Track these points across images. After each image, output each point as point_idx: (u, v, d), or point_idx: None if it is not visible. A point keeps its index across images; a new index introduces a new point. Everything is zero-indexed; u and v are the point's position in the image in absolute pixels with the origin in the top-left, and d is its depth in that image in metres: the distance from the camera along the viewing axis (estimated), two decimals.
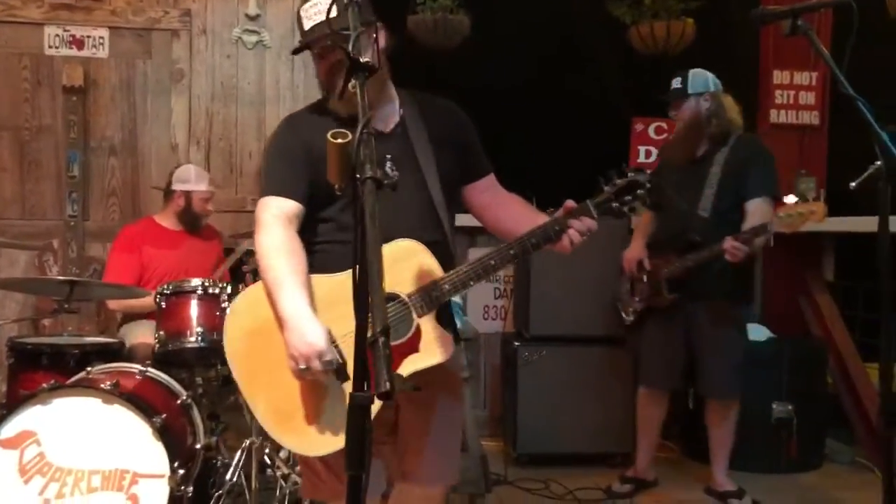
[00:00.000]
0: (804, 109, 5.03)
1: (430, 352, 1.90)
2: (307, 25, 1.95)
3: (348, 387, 1.74)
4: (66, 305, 3.15)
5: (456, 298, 3.52)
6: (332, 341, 1.84)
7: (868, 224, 4.02)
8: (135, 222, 3.98)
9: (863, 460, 4.21)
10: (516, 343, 4.17)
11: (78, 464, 2.72)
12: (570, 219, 1.96)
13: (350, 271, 1.81)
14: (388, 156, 1.97)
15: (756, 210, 3.35)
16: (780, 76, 5.02)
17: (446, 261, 1.98)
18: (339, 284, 1.86)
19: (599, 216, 1.98)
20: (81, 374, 2.93)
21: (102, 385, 2.76)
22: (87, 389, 2.76)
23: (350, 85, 1.51)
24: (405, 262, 1.91)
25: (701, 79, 3.52)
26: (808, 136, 5.06)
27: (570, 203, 1.98)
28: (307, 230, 2.02)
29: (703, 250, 3.34)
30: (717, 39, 5.60)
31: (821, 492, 3.85)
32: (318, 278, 1.93)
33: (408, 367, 1.88)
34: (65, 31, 4.33)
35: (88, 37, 4.36)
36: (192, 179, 3.81)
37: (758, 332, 4.30)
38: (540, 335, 4.14)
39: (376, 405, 1.83)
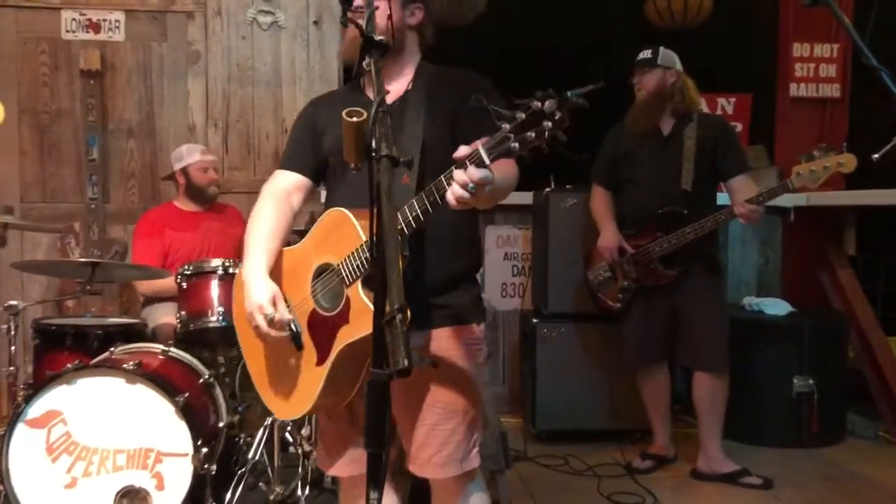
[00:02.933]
0: (825, 82, 4.97)
1: (359, 323, 1.75)
2: None
3: (301, 357, 1.91)
4: (88, 287, 3.18)
5: None
6: (290, 310, 1.91)
7: (890, 197, 4.01)
8: (154, 208, 4.03)
9: (885, 435, 4.20)
10: (535, 320, 4.18)
11: (103, 443, 2.77)
12: (458, 169, 1.54)
13: (302, 242, 1.94)
14: None
15: (742, 186, 3.44)
16: (799, 48, 4.96)
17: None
18: (296, 254, 1.98)
19: (495, 160, 1.51)
20: (105, 355, 2.97)
21: (125, 365, 2.80)
22: (111, 369, 2.80)
23: (364, 63, 1.51)
24: (337, 231, 1.84)
25: (670, 56, 3.57)
26: (829, 110, 5.00)
27: (460, 150, 1.55)
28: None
29: (706, 220, 3.36)
30: (734, 12, 5.53)
31: (843, 466, 3.84)
32: (287, 249, 2.02)
33: (341, 339, 1.81)
34: (81, 14, 4.33)
35: (104, 20, 4.36)
36: (184, 155, 3.90)
37: (778, 307, 4.28)
38: (558, 312, 4.15)
39: (316, 378, 1.85)
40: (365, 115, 1.40)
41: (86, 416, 2.78)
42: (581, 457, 3.86)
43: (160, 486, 2.76)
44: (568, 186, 4.21)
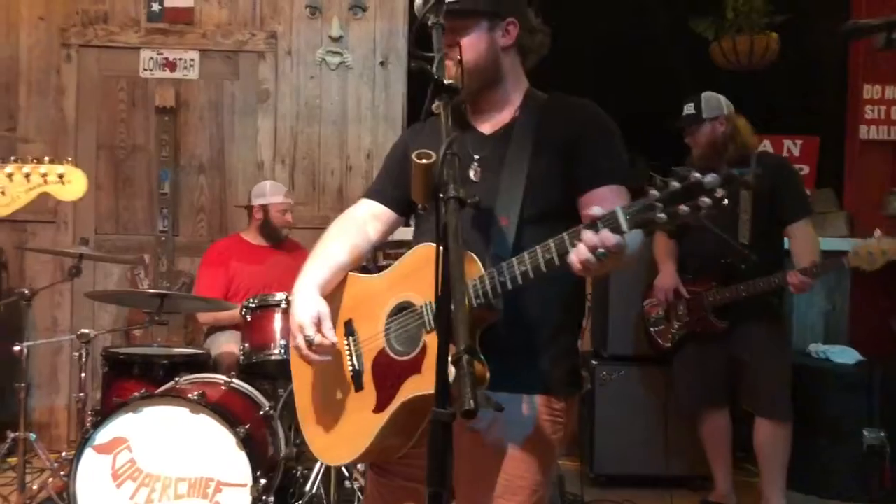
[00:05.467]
0: None
1: (432, 377, 1.56)
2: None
3: (359, 398, 1.74)
4: (156, 317, 3.28)
5: None
6: (356, 345, 1.78)
7: None
8: (222, 239, 4.14)
9: None
10: (594, 362, 4.13)
11: (166, 471, 2.83)
12: (587, 229, 1.40)
13: (383, 273, 1.80)
14: (477, 156, 1.79)
15: (802, 233, 3.37)
16: (870, 90, 4.86)
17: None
18: (374, 285, 1.82)
19: (636, 228, 1.37)
20: (170, 384, 3.05)
21: (190, 395, 2.86)
22: (176, 399, 2.86)
23: (434, 106, 1.54)
24: (428, 268, 1.60)
25: (714, 102, 3.49)
26: None
27: (594, 211, 1.41)
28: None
29: (759, 281, 3.31)
30: (802, 53, 5.45)
31: None
32: (358, 277, 1.88)
33: (407, 390, 1.64)
34: (159, 54, 4.52)
35: (180, 59, 4.54)
36: (266, 192, 3.96)
37: (847, 355, 4.15)
38: (617, 354, 4.10)
39: (372, 426, 1.67)
40: (434, 157, 1.42)
41: (150, 443, 2.84)
42: (640, 502, 3.77)
43: None
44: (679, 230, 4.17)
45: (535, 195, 1.69)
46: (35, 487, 3.38)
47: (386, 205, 1.94)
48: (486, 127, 1.84)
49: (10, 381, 3.61)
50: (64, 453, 3.48)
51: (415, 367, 1.63)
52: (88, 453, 2.82)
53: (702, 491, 3.84)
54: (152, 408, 2.86)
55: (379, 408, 1.69)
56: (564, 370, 1.75)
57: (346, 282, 1.87)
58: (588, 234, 1.39)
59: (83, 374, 3.32)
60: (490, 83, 1.82)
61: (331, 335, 1.74)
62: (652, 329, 3.75)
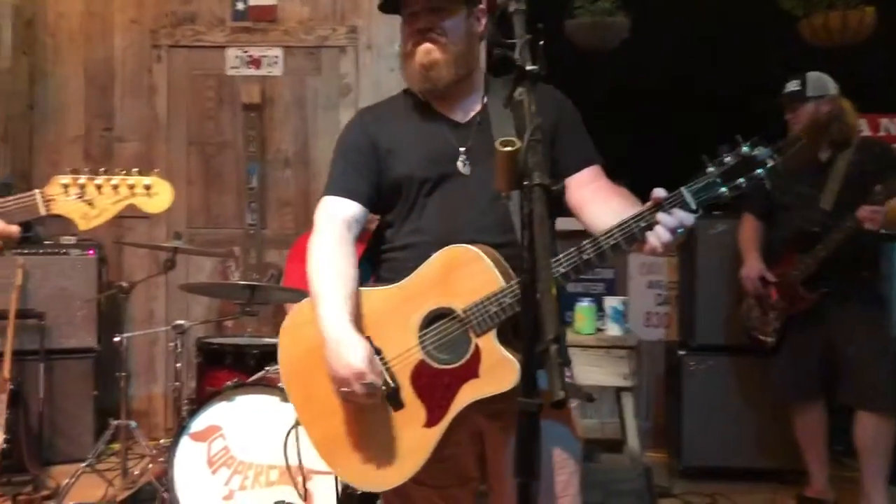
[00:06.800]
0: None
1: (494, 377, 1.58)
2: None
3: (401, 417, 1.67)
4: (247, 308, 3.37)
5: (617, 304, 3.51)
6: (384, 363, 1.68)
7: None
8: (309, 231, 4.21)
9: None
10: (681, 352, 4.05)
11: (258, 458, 2.90)
12: (659, 212, 1.48)
13: (401, 283, 1.71)
14: (462, 148, 1.77)
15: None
16: None
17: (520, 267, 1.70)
18: (391, 297, 1.72)
19: (701, 206, 1.49)
20: (261, 373, 3.12)
21: (280, 384, 2.92)
22: (267, 388, 2.93)
23: (517, 94, 1.52)
24: (460, 271, 1.64)
25: (820, 82, 3.39)
26: None
27: (658, 192, 1.50)
28: (375, 235, 1.90)
29: (833, 234, 3.23)
30: None
31: None
32: (369, 291, 1.76)
33: (465, 396, 1.61)
34: (244, 52, 4.63)
35: (265, 56, 4.64)
36: None
37: None
38: (706, 344, 4.01)
39: (426, 441, 1.64)
40: (518, 144, 1.41)
41: (243, 431, 2.92)
42: (730, 496, 3.69)
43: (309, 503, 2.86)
44: (716, 212, 4.07)
45: None
46: (136, 472, 3.53)
47: (362, 203, 1.83)
48: (458, 115, 1.82)
49: (112, 370, 3.79)
50: (162, 440, 3.63)
51: (469, 372, 1.61)
52: (185, 441, 2.92)
53: (797, 485, 3.73)
54: (244, 396, 2.94)
55: (432, 421, 1.65)
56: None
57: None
58: (665, 217, 1.46)
59: (178, 364, 3.44)
60: (469, 71, 1.80)
61: (381, 371, 1.65)
62: (752, 331, 3.65)
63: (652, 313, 4.66)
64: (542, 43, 1.66)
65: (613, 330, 3.47)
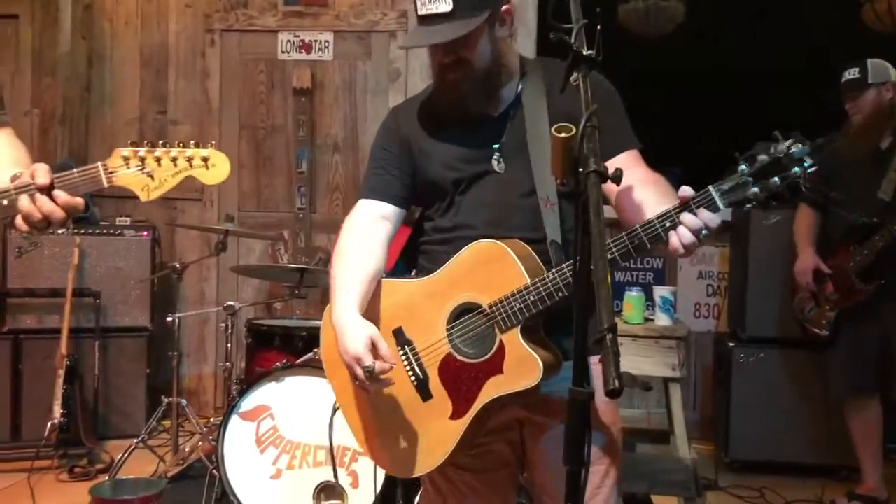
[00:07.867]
0: None
1: (517, 374, 1.59)
2: None
3: (429, 407, 1.69)
4: (296, 291, 3.41)
5: (666, 294, 3.47)
6: (414, 354, 1.70)
7: None
8: None
9: None
10: (731, 344, 3.99)
11: (305, 438, 2.95)
12: (684, 212, 1.44)
13: (431, 276, 1.71)
14: (496, 146, 1.74)
15: None
16: None
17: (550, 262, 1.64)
18: (423, 289, 1.73)
19: (730, 206, 1.44)
20: (309, 355, 3.16)
21: None
22: (315, 369, 2.97)
23: (572, 79, 1.50)
24: (488, 267, 1.63)
25: (882, 68, 3.31)
26: None
27: (685, 191, 1.44)
28: (417, 226, 1.90)
29: (891, 224, 3.14)
30: None
31: None
32: (402, 283, 1.78)
33: (489, 391, 1.62)
34: (295, 36, 4.66)
35: (315, 41, 4.67)
36: None
37: None
38: (757, 336, 3.94)
39: (452, 433, 1.64)
40: (574, 130, 1.40)
41: (291, 412, 2.97)
42: (778, 490, 3.64)
43: (355, 484, 2.89)
44: (772, 203, 3.99)
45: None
46: (187, 449, 3.61)
47: (393, 203, 1.84)
48: (491, 108, 1.79)
49: (164, 350, 3.87)
50: (212, 419, 3.70)
51: (494, 367, 1.62)
52: (234, 420, 2.97)
53: (846, 482, 3.66)
54: (293, 377, 2.98)
55: (458, 414, 1.66)
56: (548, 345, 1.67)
57: (382, 290, 1.78)
58: (689, 217, 1.41)
59: (228, 345, 3.51)
60: (499, 72, 1.76)
61: (390, 355, 1.65)
62: (806, 323, 3.59)
63: (702, 304, 4.59)
64: (598, 28, 1.66)
65: (662, 320, 3.42)
